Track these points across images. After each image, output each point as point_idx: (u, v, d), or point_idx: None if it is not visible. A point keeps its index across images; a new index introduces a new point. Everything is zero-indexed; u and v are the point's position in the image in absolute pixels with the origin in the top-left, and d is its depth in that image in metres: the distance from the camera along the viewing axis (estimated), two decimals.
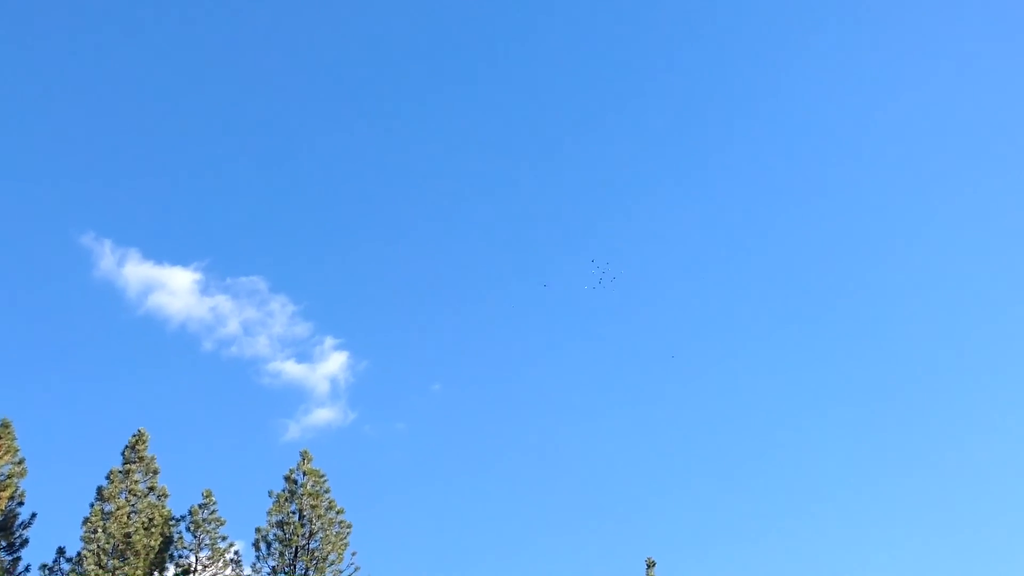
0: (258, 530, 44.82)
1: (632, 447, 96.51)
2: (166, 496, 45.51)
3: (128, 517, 43.72)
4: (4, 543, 42.64)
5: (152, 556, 43.53)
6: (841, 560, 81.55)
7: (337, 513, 45.34)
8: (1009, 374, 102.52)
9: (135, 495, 44.47)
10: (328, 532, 44.90)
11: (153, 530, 43.94)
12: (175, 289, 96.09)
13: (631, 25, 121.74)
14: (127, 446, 45.44)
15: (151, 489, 45.19)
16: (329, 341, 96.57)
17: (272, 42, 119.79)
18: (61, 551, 43.15)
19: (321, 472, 45.68)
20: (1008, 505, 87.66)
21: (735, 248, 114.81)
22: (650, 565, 50.06)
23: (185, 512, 45.22)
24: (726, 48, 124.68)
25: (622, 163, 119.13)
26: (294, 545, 44.33)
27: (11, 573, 42.41)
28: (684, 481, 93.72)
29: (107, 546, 42.84)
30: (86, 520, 43.09)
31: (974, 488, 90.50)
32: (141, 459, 45.31)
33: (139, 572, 42.66)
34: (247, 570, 44.74)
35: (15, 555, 42.88)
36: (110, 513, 43.47)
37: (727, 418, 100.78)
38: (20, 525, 43.15)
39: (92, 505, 43.65)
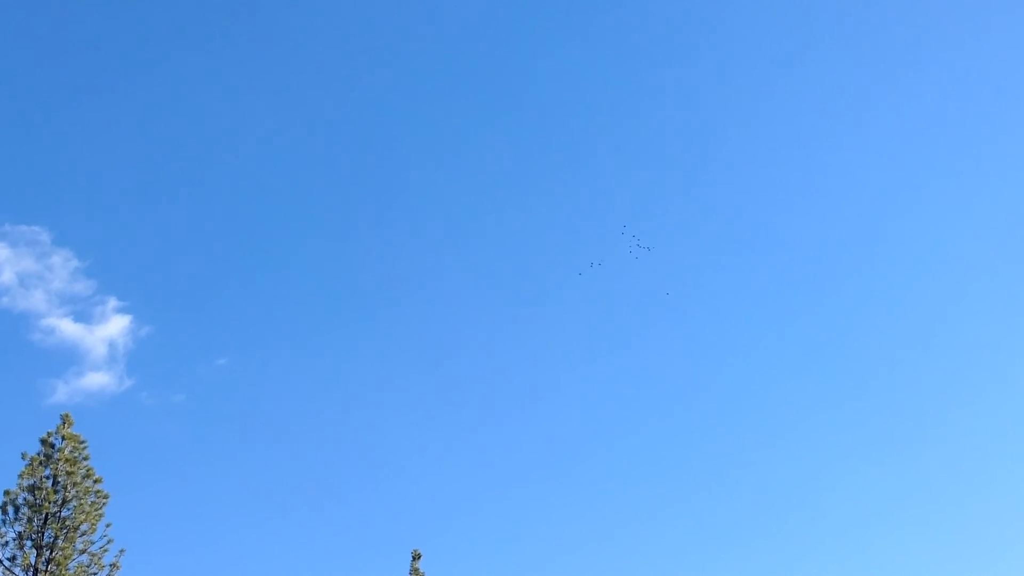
0: (7, 493, 42.60)
1: (417, 428, 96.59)
2: None
3: None
4: None
5: None
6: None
7: (95, 482, 43.61)
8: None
9: None
10: (83, 501, 43.12)
11: None
12: None
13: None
14: None
15: None
16: (112, 302, 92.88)
17: None
18: None
19: (82, 438, 43.85)
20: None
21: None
22: (416, 557, 50.25)
23: None
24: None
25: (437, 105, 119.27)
26: (44, 512, 42.36)
27: None
28: (449, 458, 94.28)
29: None
30: None
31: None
32: None
33: None
34: None
35: None
36: None
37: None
38: None
39: None
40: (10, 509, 42.46)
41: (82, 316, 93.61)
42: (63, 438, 43.72)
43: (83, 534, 42.82)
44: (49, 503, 42.40)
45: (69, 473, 43.01)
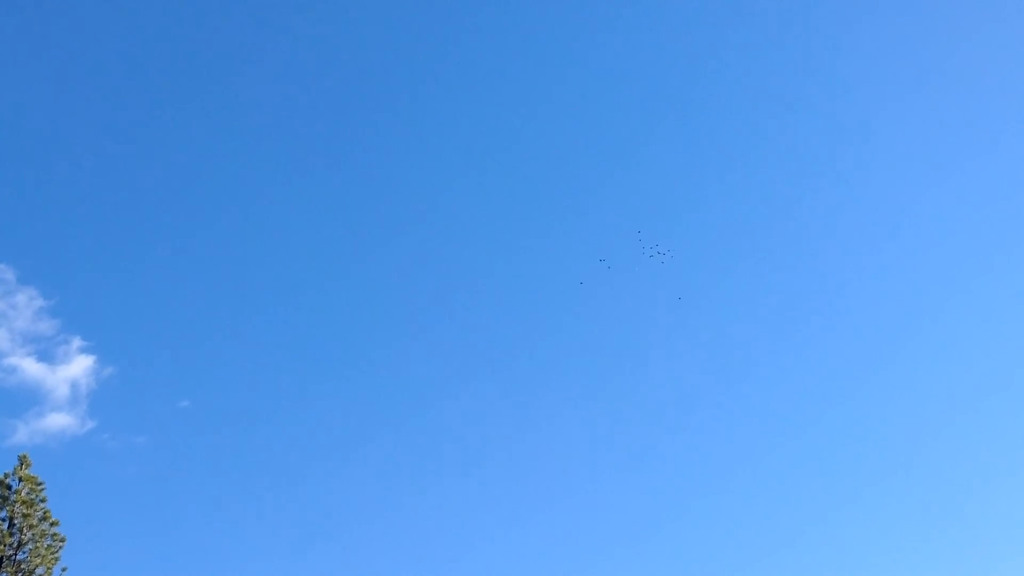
0: None
1: (393, 475, 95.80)
2: None
3: None
4: None
5: None
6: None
7: (51, 525, 42.92)
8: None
9: None
10: (39, 544, 42.40)
11: None
12: None
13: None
14: None
15: None
16: (76, 342, 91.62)
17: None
18: None
19: (39, 480, 43.18)
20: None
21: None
22: None
23: None
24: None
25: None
26: None
27: None
28: (426, 509, 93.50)
29: None
30: None
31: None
32: None
33: None
34: None
35: None
36: None
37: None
38: None
39: None
40: None
41: (45, 356, 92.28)
42: (20, 479, 43.06)
43: None
44: (4, 545, 41.65)
45: (25, 515, 42.33)
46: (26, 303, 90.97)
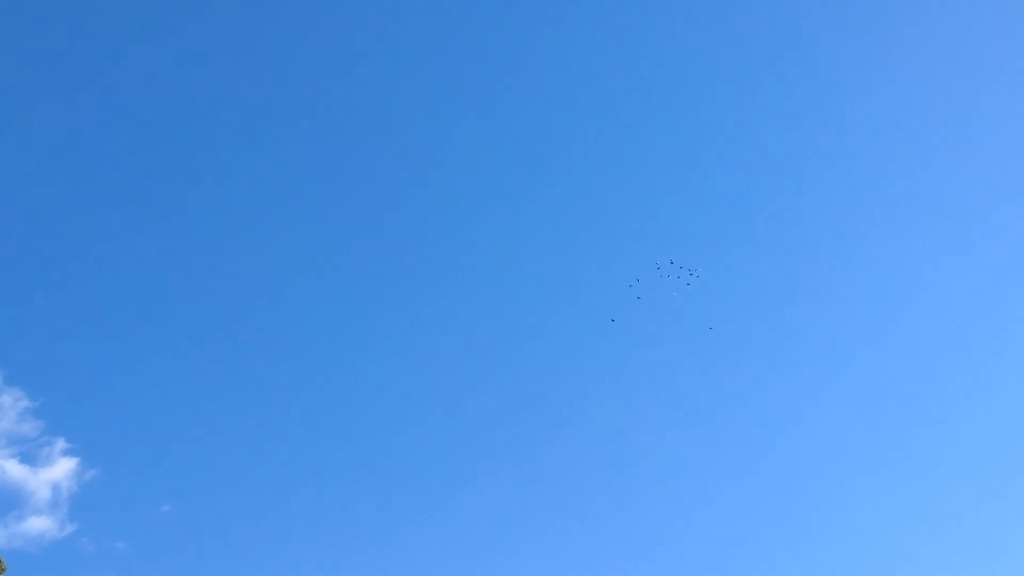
0: None
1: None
2: None
3: None
4: None
5: None
6: None
7: None
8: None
9: None
10: None
11: None
12: None
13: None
14: None
15: None
16: (60, 444, 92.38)
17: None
18: None
19: None
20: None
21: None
22: None
23: None
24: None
25: None
26: None
27: None
28: None
29: None
30: None
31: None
32: None
33: None
34: None
35: None
36: None
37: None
38: None
39: None
40: None
41: (28, 458, 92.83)
42: None
43: None
44: None
45: None
46: (11, 404, 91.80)
